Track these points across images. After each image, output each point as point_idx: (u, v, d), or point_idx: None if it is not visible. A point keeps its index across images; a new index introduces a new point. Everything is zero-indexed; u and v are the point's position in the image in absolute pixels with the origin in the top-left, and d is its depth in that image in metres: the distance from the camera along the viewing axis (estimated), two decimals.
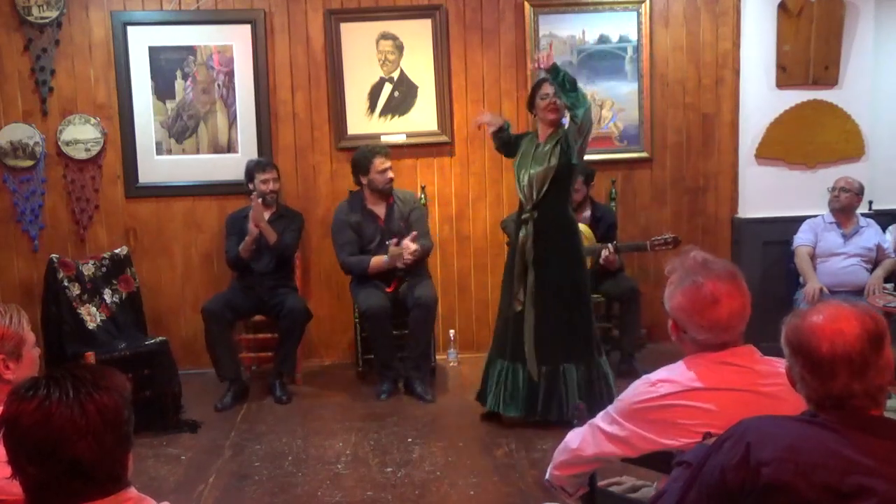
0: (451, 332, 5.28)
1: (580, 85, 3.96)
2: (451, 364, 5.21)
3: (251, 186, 4.79)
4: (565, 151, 3.93)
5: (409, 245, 4.55)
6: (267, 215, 4.77)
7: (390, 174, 4.72)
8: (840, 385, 1.46)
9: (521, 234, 4.04)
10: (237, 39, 5.09)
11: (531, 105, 4.14)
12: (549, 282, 3.99)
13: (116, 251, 4.76)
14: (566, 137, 3.94)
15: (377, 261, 4.63)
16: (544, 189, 3.96)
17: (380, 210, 4.79)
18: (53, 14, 4.92)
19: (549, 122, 4.04)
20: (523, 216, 4.06)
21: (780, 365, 1.84)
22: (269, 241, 4.69)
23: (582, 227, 4.86)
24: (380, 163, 4.68)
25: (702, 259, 1.97)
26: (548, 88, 4.02)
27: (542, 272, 3.99)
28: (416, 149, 5.25)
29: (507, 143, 4.28)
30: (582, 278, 4.10)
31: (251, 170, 4.81)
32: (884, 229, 4.88)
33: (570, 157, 3.93)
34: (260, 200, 4.68)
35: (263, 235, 4.67)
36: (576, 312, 4.03)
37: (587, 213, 4.96)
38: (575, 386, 3.97)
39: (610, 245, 4.71)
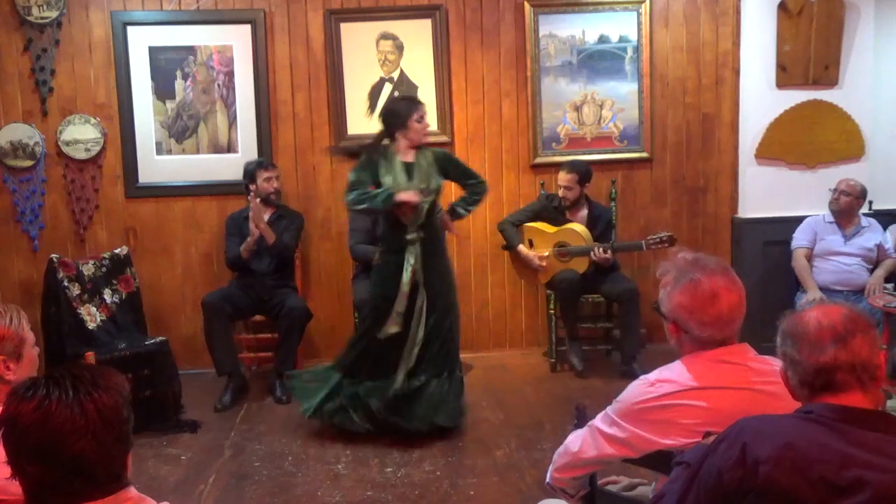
0: None
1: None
2: None
3: (252, 187, 4.79)
4: (443, 171, 3.99)
5: None
6: (267, 215, 4.77)
7: None
8: (828, 357, 1.52)
9: (411, 258, 3.92)
10: (237, 39, 5.09)
11: (403, 125, 3.93)
12: (436, 301, 3.98)
13: (116, 251, 4.76)
14: (446, 160, 4.02)
15: None
16: (426, 209, 3.94)
17: None
18: (53, 14, 4.92)
19: (419, 143, 4.00)
20: (409, 237, 3.94)
21: (774, 363, 1.85)
22: (268, 242, 4.69)
23: (578, 226, 4.88)
24: None
25: (692, 257, 1.98)
26: (424, 110, 4.02)
27: (430, 292, 3.96)
28: None
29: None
30: (455, 293, 4.16)
31: (252, 170, 4.81)
32: (884, 229, 4.87)
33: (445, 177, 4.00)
34: (259, 201, 4.68)
35: (262, 236, 4.67)
36: (454, 328, 4.07)
37: (584, 212, 4.98)
38: (440, 397, 3.97)
39: (603, 245, 4.74)
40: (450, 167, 4.08)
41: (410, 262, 3.91)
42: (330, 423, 4.05)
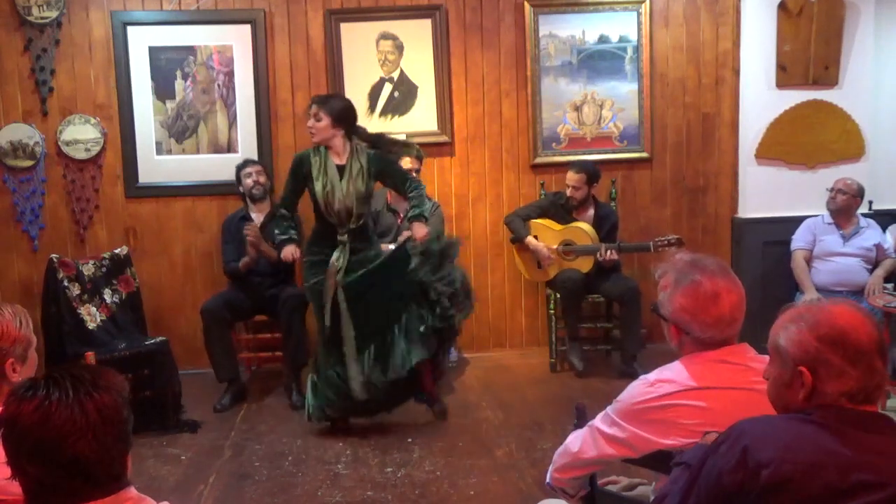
0: None
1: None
2: (451, 364, 5.21)
3: (241, 189, 4.85)
4: (372, 173, 3.99)
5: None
6: (261, 216, 4.76)
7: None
8: (879, 373, 1.48)
9: (337, 257, 3.95)
10: (237, 39, 5.09)
11: (355, 130, 4.02)
12: (367, 296, 3.99)
13: (116, 251, 4.76)
14: (383, 165, 4.02)
15: (384, 248, 4.64)
16: (355, 214, 3.96)
17: (401, 207, 4.81)
18: (53, 14, 4.92)
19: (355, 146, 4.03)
20: (340, 238, 3.97)
21: None
22: (269, 260, 4.65)
23: (585, 226, 4.88)
24: (404, 163, 4.70)
25: (689, 259, 1.99)
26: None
27: (358, 290, 3.97)
28: None
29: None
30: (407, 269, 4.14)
31: (237, 172, 4.87)
32: (884, 229, 4.87)
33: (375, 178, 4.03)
34: (257, 229, 4.66)
35: (264, 254, 4.65)
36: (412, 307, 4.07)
37: (590, 212, 4.97)
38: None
39: (610, 246, 4.74)
40: (387, 173, 4.09)
41: (336, 259, 3.96)
42: (324, 417, 4.10)
